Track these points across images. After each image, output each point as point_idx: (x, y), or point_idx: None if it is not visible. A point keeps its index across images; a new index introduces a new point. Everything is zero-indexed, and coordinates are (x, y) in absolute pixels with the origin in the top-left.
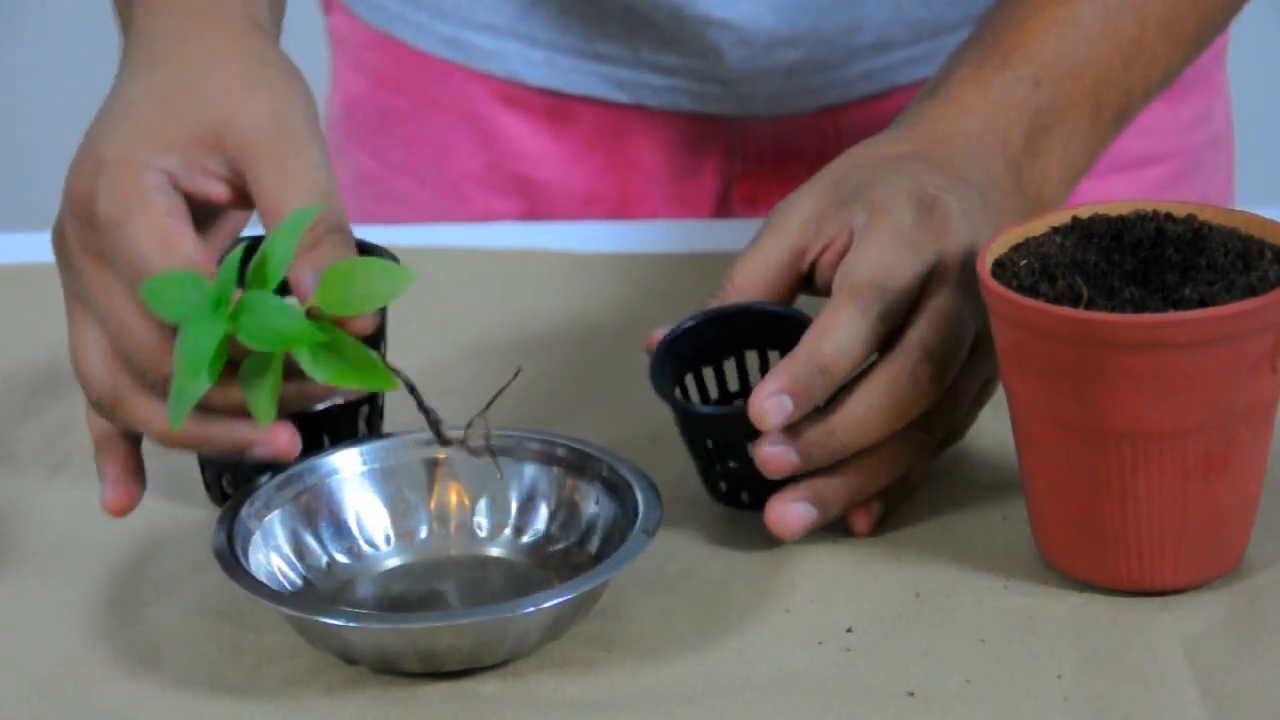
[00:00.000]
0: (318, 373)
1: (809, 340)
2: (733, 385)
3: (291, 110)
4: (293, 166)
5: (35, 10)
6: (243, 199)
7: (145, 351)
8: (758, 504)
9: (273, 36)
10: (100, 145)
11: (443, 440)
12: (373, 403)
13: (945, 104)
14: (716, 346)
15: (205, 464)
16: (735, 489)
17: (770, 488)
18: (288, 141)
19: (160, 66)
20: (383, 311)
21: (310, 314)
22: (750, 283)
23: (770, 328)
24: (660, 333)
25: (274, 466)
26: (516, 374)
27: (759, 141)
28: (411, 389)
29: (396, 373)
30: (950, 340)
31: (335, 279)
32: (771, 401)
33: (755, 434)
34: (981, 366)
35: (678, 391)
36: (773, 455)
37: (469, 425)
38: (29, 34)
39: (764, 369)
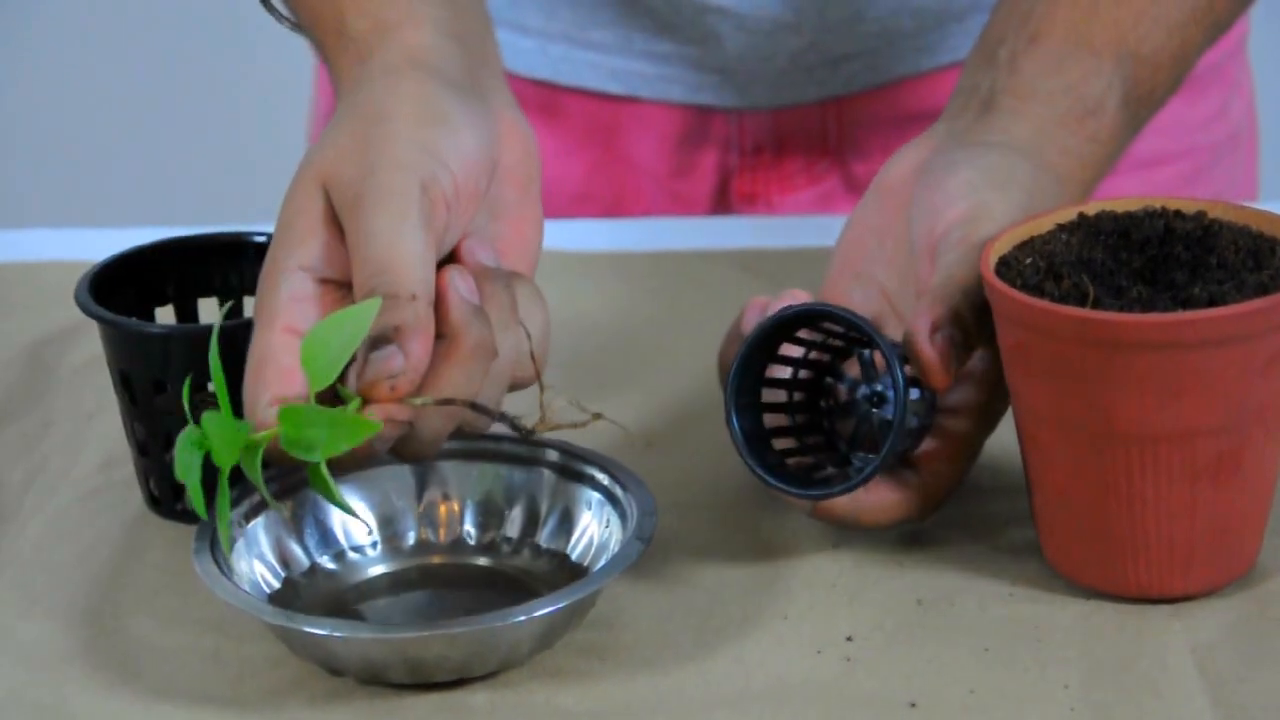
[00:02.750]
0: (302, 456)
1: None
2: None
3: (370, 172)
4: (351, 240)
5: (33, 13)
6: None
7: None
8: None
9: (446, 79)
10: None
11: (525, 434)
12: None
13: (1050, 144)
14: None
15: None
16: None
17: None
18: (353, 210)
19: (329, 131)
20: None
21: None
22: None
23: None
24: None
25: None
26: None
27: (757, 134)
28: (473, 404)
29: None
30: None
31: (291, 419)
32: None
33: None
34: None
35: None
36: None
37: (539, 417)
38: (21, 37)
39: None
